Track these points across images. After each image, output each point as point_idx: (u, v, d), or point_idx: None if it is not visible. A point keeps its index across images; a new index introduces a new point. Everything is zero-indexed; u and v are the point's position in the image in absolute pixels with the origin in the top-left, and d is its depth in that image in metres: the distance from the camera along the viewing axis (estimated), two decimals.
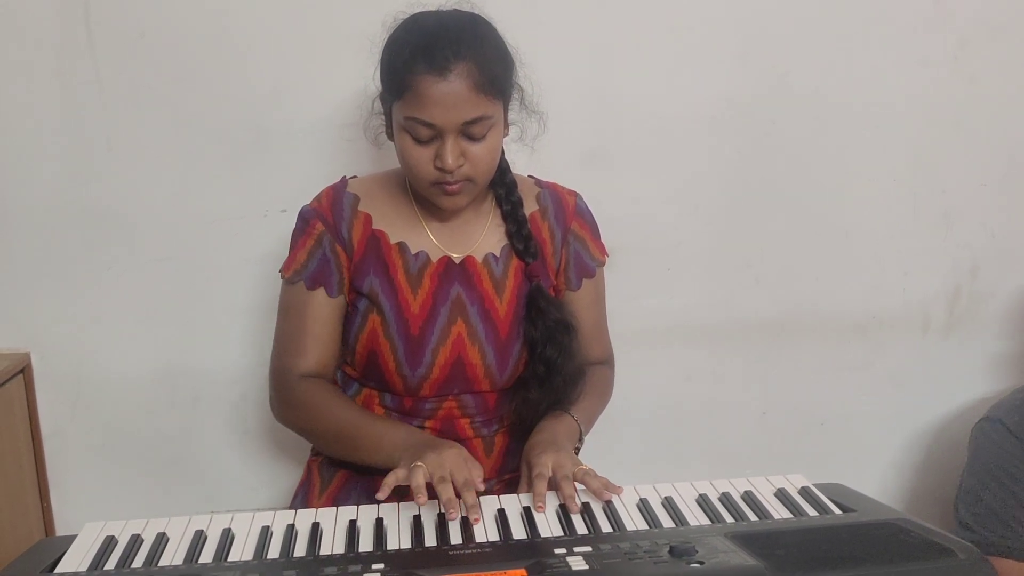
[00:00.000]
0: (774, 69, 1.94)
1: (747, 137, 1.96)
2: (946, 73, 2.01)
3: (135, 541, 1.19)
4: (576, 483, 1.29)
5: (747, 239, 2.01)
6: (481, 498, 1.31)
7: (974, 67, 2.01)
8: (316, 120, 1.82)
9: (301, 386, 1.46)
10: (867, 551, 1.08)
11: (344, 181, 1.51)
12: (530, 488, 1.32)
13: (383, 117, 1.44)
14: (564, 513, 1.25)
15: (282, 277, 1.49)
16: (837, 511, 1.24)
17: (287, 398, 1.48)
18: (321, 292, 1.46)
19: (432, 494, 1.22)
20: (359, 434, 1.40)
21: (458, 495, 1.22)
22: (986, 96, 2.03)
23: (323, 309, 1.47)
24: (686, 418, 2.06)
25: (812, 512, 1.24)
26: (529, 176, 1.59)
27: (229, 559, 1.15)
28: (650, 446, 2.03)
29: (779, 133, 1.97)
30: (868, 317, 2.06)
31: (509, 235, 1.50)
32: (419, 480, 1.22)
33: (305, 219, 1.48)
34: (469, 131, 1.34)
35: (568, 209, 1.55)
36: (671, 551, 1.07)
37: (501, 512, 1.25)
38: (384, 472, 1.27)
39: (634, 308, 1.97)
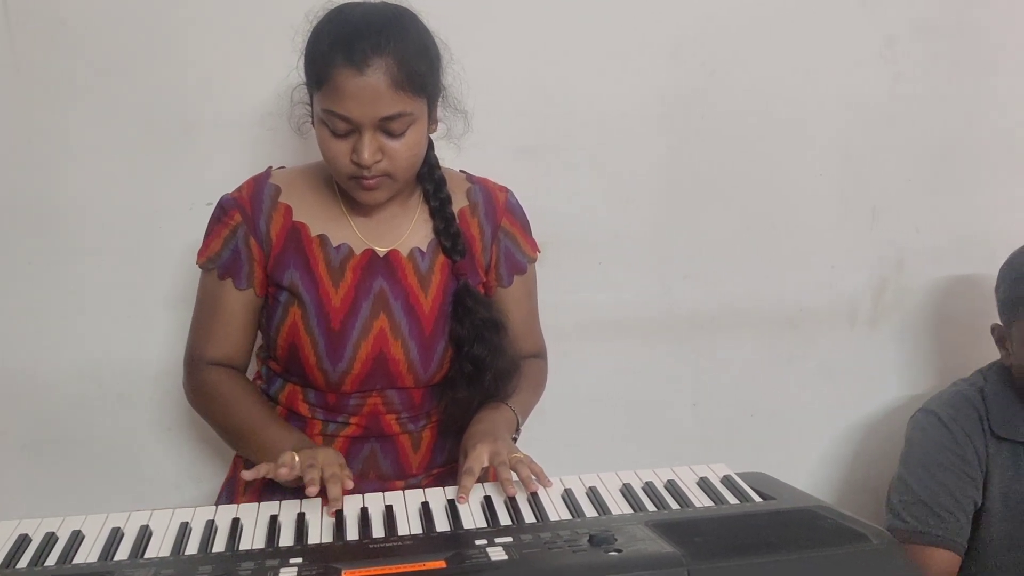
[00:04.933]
0: (705, 66, 1.95)
1: (679, 133, 1.98)
2: (873, 71, 2.04)
3: (49, 539, 1.17)
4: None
5: (679, 233, 2.02)
6: (407, 492, 1.31)
7: (900, 65, 2.05)
8: (245, 112, 1.79)
9: (210, 375, 1.47)
10: (783, 537, 1.10)
11: (268, 172, 1.50)
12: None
13: (307, 107, 1.43)
14: (488, 505, 1.25)
15: (197, 264, 1.48)
16: (757, 499, 1.26)
17: (194, 384, 1.49)
18: (229, 283, 1.46)
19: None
20: (254, 436, 1.41)
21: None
22: (912, 94, 2.07)
23: (231, 300, 1.47)
24: (619, 410, 2.06)
25: (733, 500, 1.26)
26: (460, 171, 1.58)
27: (145, 556, 1.14)
28: (583, 438, 2.03)
29: (710, 129, 1.99)
30: (797, 310, 2.09)
31: (437, 232, 1.49)
32: (285, 459, 1.25)
33: (223, 208, 1.47)
34: (387, 127, 1.33)
35: (498, 205, 1.55)
36: (590, 540, 1.08)
37: (425, 505, 1.25)
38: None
39: (568, 302, 1.97)
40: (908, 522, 1.73)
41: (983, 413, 1.76)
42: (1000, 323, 1.80)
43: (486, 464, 1.33)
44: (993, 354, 1.84)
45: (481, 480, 1.33)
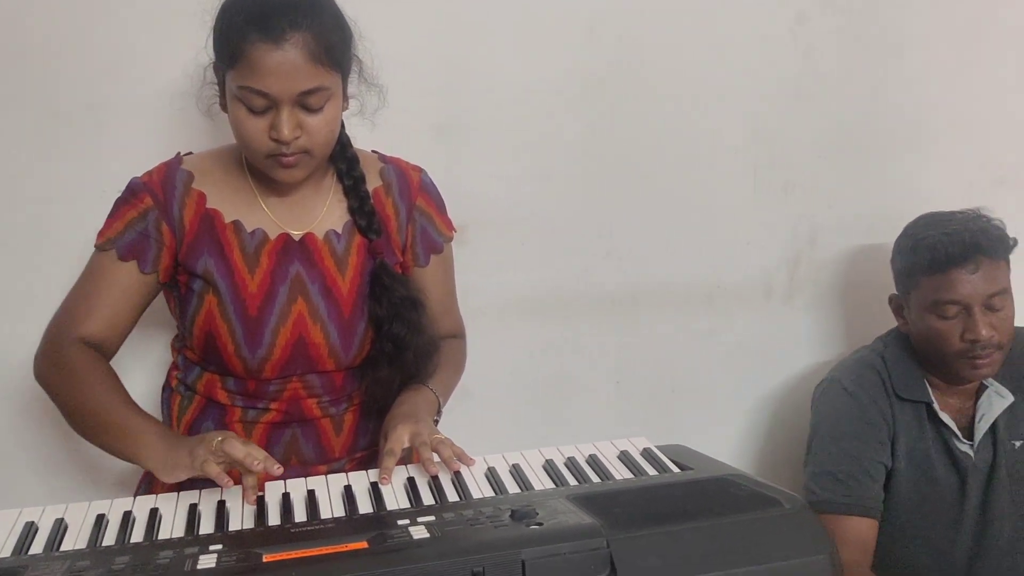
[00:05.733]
0: (620, 43, 1.97)
1: (596, 111, 1.99)
2: (784, 48, 2.09)
3: None
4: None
5: (598, 212, 2.04)
6: (329, 476, 1.31)
7: (810, 42, 2.10)
8: (154, 94, 1.75)
9: (73, 349, 1.40)
10: (699, 505, 1.13)
11: (179, 158, 1.47)
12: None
13: (216, 87, 1.40)
14: (411, 485, 1.26)
15: (95, 244, 1.44)
16: (675, 470, 1.28)
17: (55, 357, 1.41)
18: (132, 265, 1.42)
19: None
20: (109, 418, 1.35)
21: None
22: (821, 71, 2.12)
23: (128, 281, 1.42)
24: (543, 389, 2.08)
25: (652, 472, 1.28)
26: (373, 151, 1.57)
27: (61, 549, 1.12)
28: (508, 418, 2.05)
29: (626, 107, 2.01)
30: (714, 286, 2.13)
31: (351, 211, 1.48)
32: (215, 470, 1.21)
33: (133, 190, 1.44)
34: (305, 102, 1.32)
35: (413, 184, 1.55)
36: (512, 515, 1.09)
37: (348, 488, 1.26)
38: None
39: (489, 283, 1.98)
40: (818, 494, 1.79)
41: (885, 377, 1.84)
42: (897, 293, 1.87)
43: (407, 445, 1.33)
44: None
45: (404, 462, 1.33)
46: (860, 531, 1.75)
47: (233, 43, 1.30)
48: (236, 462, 1.21)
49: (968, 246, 1.72)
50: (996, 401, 1.81)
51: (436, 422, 1.47)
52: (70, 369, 1.39)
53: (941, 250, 1.73)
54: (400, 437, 1.33)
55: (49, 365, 1.42)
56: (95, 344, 1.42)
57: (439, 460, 1.30)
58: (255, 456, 1.21)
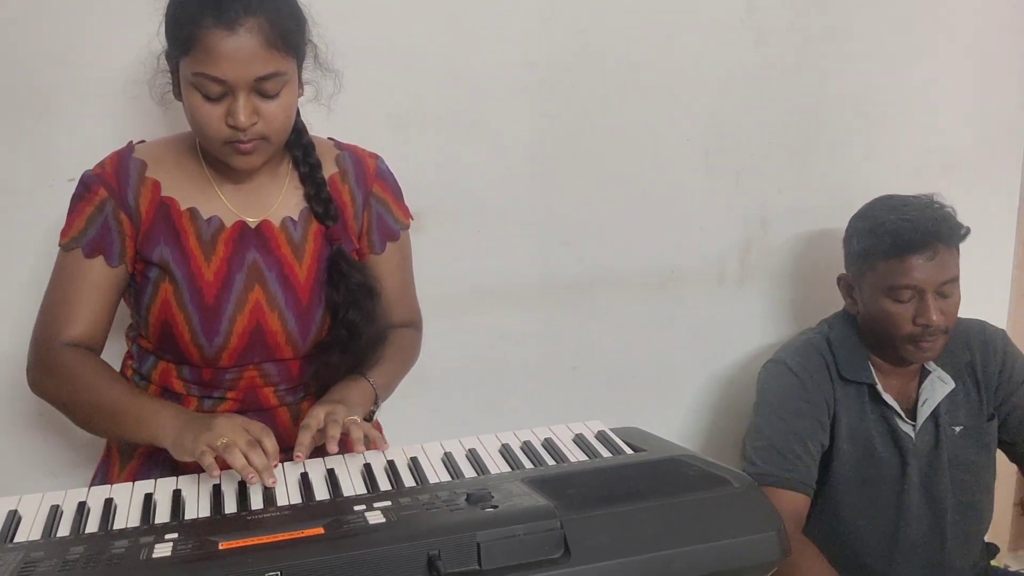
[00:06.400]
0: (574, 33, 1.99)
1: (550, 100, 2.00)
2: (736, 36, 2.11)
3: None
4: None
5: (554, 200, 2.05)
6: (285, 464, 1.31)
7: (761, 31, 2.13)
8: (105, 82, 1.73)
9: (65, 354, 1.40)
10: (651, 486, 1.15)
11: (130, 146, 1.46)
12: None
13: (169, 75, 1.39)
14: (368, 472, 1.26)
15: (59, 244, 1.43)
16: (629, 451, 1.31)
17: (48, 365, 1.41)
18: (99, 261, 1.41)
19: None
20: (122, 409, 1.36)
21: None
22: (771, 60, 2.15)
23: (99, 278, 1.42)
24: (502, 377, 2.09)
25: (606, 454, 1.30)
26: (329, 138, 1.57)
27: (15, 540, 1.11)
28: (466, 405, 2.06)
29: (581, 96, 2.02)
30: (668, 272, 2.16)
31: (308, 198, 1.48)
32: (208, 461, 1.22)
33: (87, 184, 1.42)
34: (262, 88, 1.32)
35: (369, 172, 1.55)
36: (468, 498, 1.11)
37: (304, 476, 1.26)
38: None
39: (446, 271, 1.98)
40: (759, 466, 1.82)
41: (829, 360, 1.87)
42: (847, 273, 1.91)
43: (323, 423, 1.33)
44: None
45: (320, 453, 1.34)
46: (796, 505, 1.79)
47: (187, 29, 1.30)
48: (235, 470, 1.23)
49: (927, 233, 1.75)
50: (939, 386, 1.85)
51: (372, 412, 1.48)
52: (66, 373, 1.40)
53: (901, 235, 1.75)
54: (316, 414, 1.34)
55: (44, 375, 1.42)
56: (83, 347, 1.42)
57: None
58: (250, 470, 1.22)
